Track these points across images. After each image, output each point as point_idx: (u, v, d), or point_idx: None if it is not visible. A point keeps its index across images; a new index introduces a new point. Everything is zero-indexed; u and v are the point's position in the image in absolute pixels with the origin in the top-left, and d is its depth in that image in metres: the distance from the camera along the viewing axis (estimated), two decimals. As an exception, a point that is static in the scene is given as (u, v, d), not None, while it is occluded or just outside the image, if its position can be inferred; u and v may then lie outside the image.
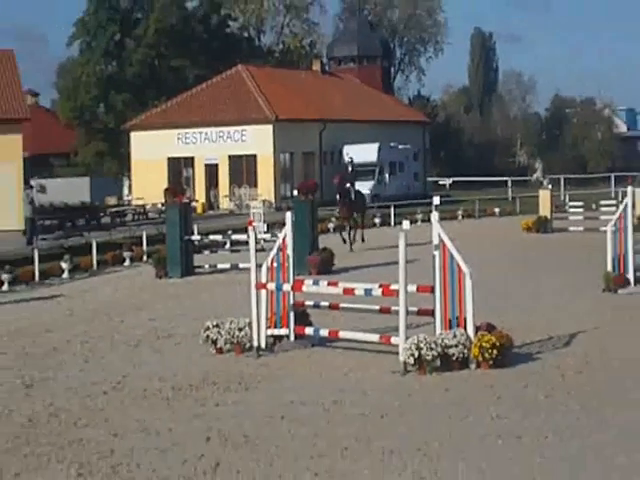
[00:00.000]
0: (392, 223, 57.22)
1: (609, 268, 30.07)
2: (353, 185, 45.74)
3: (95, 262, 41.45)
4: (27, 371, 21.48)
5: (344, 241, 45.09)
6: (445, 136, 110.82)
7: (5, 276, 36.04)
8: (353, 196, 45.34)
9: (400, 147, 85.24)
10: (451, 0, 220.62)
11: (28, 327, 27.45)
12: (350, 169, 47.48)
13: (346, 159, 49.15)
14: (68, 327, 27.14)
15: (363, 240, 46.33)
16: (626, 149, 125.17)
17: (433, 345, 19.78)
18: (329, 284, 24.50)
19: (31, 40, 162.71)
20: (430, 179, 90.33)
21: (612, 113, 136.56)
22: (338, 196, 45.04)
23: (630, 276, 29.79)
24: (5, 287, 35.69)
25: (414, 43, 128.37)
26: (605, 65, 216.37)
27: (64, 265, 39.53)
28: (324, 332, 22.26)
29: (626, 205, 31.00)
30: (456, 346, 19.89)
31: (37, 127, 78.97)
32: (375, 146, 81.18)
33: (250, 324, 22.46)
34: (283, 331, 22.75)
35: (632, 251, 30.08)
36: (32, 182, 63.72)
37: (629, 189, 34.10)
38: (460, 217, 61.47)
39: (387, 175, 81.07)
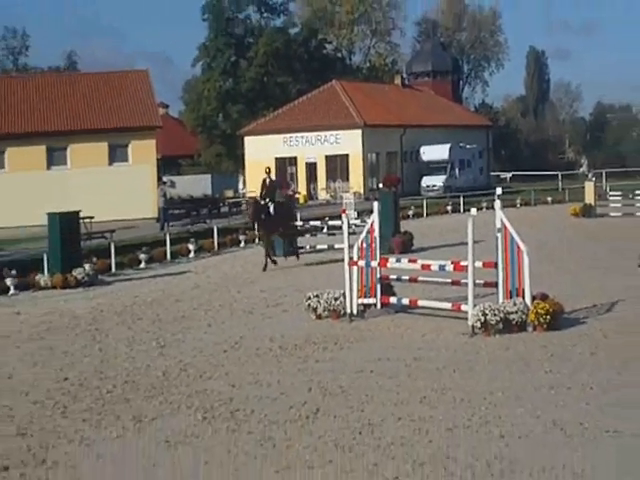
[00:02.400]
0: (461, 210, 56.94)
1: (644, 247, 29.82)
2: (272, 197, 33.97)
3: (216, 244, 41.67)
4: (161, 334, 21.68)
5: (272, 262, 33.55)
6: (505, 137, 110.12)
7: (142, 256, 36.37)
8: (272, 210, 33.52)
9: (468, 147, 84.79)
10: (510, 23, 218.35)
11: (161, 298, 27.69)
12: (268, 182, 34.59)
13: (265, 177, 34.94)
14: (194, 298, 27.34)
15: (298, 256, 35.14)
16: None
17: (496, 312, 19.73)
18: (409, 261, 24.49)
19: (161, 62, 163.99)
20: (493, 173, 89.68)
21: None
22: (254, 219, 35.16)
23: (662, 254, 29.50)
24: (142, 265, 36.00)
25: (479, 60, 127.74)
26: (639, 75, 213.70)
27: (190, 247, 39.85)
28: (405, 301, 22.29)
29: (658, 194, 30.81)
30: (516, 312, 19.82)
31: (167, 134, 79.34)
32: (447, 146, 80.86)
33: (344, 295, 22.53)
34: (371, 300, 22.77)
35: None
36: (164, 179, 64.05)
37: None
38: (518, 205, 60.98)
39: (457, 170, 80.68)
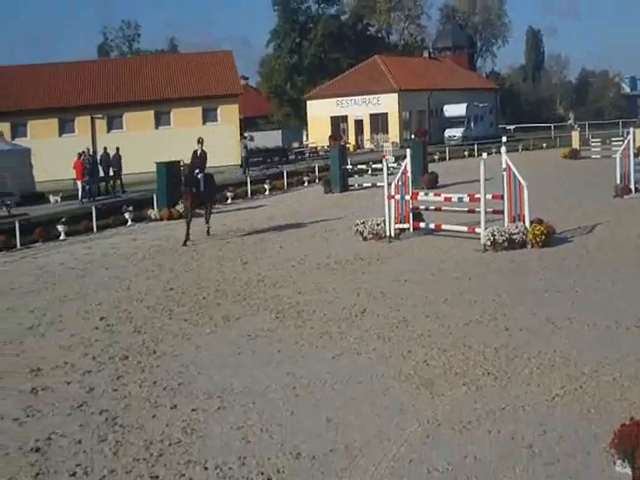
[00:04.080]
0: (475, 155, 56.34)
1: (618, 181, 29.45)
2: (202, 171, 25.31)
3: (285, 184, 41.65)
4: (244, 254, 21.77)
5: (186, 237, 24.46)
6: (509, 98, 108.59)
7: (229, 194, 36.45)
8: (202, 186, 25.33)
9: (480, 105, 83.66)
10: (513, 6, 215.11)
11: (243, 226, 27.76)
12: (199, 153, 25.27)
13: (196, 149, 25.11)
14: (269, 226, 27.39)
15: (209, 233, 25.88)
16: (629, 104, 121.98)
17: (502, 233, 19.61)
18: (435, 195, 24.48)
19: (242, 44, 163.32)
20: (500, 126, 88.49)
21: (620, 80, 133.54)
22: (184, 186, 24.93)
23: (632, 187, 29.12)
24: (229, 201, 36.07)
25: (489, 37, 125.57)
26: (615, 46, 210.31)
27: (266, 186, 39.86)
28: (432, 225, 22.20)
29: (629, 140, 30.37)
30: (518, 233, 19.69)
31: (247, 100, 79.16)
32: (464, 105, 79.87)
33: (384, 221, 22.50)
34: (405, 225, 22.69)
35: (634, 170, 29.42)
36: (245, 134, 63.94)
37: (631, 130, 33.36)
38: (520, 150, 60.12)
39: (472, 124, 79.69)
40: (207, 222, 25.96)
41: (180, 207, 29.76)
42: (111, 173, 42.80)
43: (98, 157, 43.20)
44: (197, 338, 13.25)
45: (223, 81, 62.86)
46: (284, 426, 9.16)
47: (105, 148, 43.90)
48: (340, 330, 13.13)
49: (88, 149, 43.73)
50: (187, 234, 24.44)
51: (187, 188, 24.84)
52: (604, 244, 19.72)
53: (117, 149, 43.17)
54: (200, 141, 25.42)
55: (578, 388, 9.77)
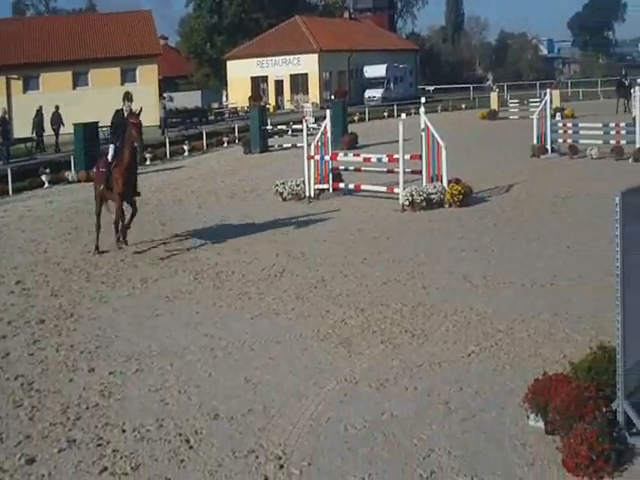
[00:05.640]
0: (395, 115, 56.48)
1: (535, 142, 29.81)
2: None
3: (205, 145, 41.24)
4: (162, 215, 21.54)
5: (122, 238, 17.18)
6: (429, 59, 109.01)
7: (148, 155, 35.96)
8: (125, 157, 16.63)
9: (400, 66, 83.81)
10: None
11: (162, 186, 27.45)
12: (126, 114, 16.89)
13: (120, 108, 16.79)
14: (188, 186, 27.14)
15: (126, 242, 17.18)
16: (546, 66, 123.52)
17: (421, 193, 19.75)
18: (354, 155, 24.51)
19: (161, 3, 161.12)
20: (419, 87, 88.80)
21: (537, 42, 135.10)
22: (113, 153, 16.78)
23: (548, 147, 29.52)
24: (148, 162, 35.59)
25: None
26: (533, 9, 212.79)
27: (185, 147, 39.44)
28: (351, 186, 22.23)
29: (546, 101, 30.70)
30: (435, 193, 19.83)
31: (166, 60, 78.01)
32: (384, 66, 79.92)
33: (304, 182, 22.48)
34: (325, 186, 22.73)
35: (550, 130, 29.79)
36: (164, 95, 63.12)
37: (548, 91, 33.73)
38: (439, 111, 60.43)
39: (392, 85, 79.81)
40: (128, 227, 17.15)
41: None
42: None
43: (48, 116, 42.73)
44: (115, 301, 13.09)
45: (142, 41, 61.87)
46: (202, 387, 9.11)
47: (57, 107, 43.36)
48: (259, 291, 13.09)
49: (4, 109, 42.70)
50: (118, 235, 17.14)
51: (119, 159, 16.49)
52: (520, 204, 19.97)
53: (56, 107, 43.10)
54: (128, 98, 17.43)
55: (493, 345, 9.91)
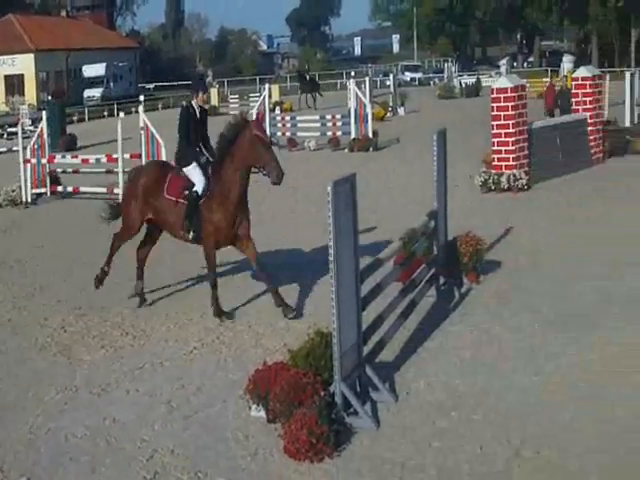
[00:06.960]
0: (115, 115, 55.63)
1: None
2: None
3: None
4: None
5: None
6: (149, 56, 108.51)
7: None
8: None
9: (120, 64, 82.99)
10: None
11: None
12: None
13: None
14: None
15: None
16: (266, 61, 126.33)
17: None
18: (72, 157, 24.13)
19: None
20: (140, 85, 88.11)
21: (257, 38, 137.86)
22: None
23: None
24: None
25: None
26: (253, 5, 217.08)
27: None
28: (69, 188, 21.85)
29: (264, 96, 31.30)
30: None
31: None
32: (103, 65, 78.95)
33: (20, 187, 21.87)
34: (43, 190, 22.15)
35: (269, 124, 30.31)
36: None
37: (267, 85, 34.41)
38: (160, 108, 60.02)
39: (112, 84, 78.95)
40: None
41: None
42: None
43: None
44: None
45: None
46: None
47: None
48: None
49: None
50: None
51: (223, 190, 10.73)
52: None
53: None
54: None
55: (215, 339, 9.94)
